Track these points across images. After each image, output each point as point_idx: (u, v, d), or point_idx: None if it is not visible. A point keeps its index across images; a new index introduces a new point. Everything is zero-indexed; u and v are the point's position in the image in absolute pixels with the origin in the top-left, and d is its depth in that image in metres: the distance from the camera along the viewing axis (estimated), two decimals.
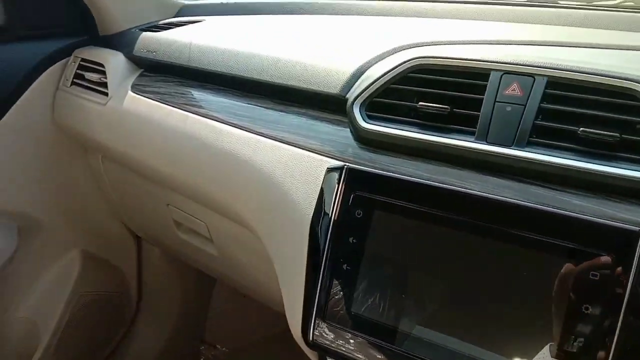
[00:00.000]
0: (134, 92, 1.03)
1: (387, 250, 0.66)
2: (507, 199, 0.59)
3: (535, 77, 0.61)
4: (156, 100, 0.98)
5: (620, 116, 0.57)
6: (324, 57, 0.82)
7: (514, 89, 0.62)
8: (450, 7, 0.98)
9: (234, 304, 1.62)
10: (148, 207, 1.21)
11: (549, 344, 0.55)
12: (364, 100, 0.72)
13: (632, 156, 0.56)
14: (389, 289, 0.66)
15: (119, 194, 1.29)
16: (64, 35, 1.19)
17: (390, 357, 0.64)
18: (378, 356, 0.65)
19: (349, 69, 0.77)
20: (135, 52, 1.09)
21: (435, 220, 0.63)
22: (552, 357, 0.55)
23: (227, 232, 0.98)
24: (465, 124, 0.64)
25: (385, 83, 0.70)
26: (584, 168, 0.57)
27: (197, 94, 0.96)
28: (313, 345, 0.70)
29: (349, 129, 0.74)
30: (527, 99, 0.61)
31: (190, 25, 1.11)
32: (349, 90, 0.75)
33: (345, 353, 0.67)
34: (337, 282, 0.68)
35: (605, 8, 0.89)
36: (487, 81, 0.63)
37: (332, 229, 0.68)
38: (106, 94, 1.08)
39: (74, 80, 1.15)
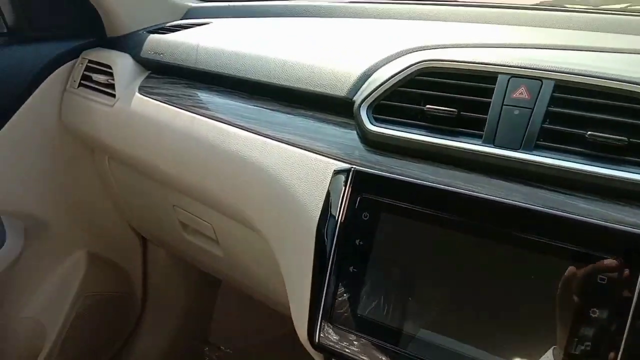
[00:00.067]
0: (142, 94, 1.04)
1: (393, 253, 0.66)
2: (515, 202, 0.59)
3: (543, 80, 0.61)
4: (163, 102, 0.99)
5: (628, 120, 0.57)
6: (331, 60, 0.83)
7: (521, 93, 0.62)
8: (456, 10, 0.98)
9: (239, 306, 1.62)
10: (154, 208, 1.21)
11: (555, 348, 0.55)
12: (371, 103, 0.72)
13: None
14: (395, 292, 0.66)
15: (125, 195, 1.29)
16: (72, 37, 1.20)
17: None
18: (384, 359, 0.65)
19: (356, 72, 0.77)
20: (142, 54, 1.10)
21: (442, 223, 0.63)
22: None
23: (233, 233, 0.98)
24: (472, 127, 0.64)
25: (392, 86, 0.70)
26: (591, 172, 0.57)
27: (204, 96, 0.96)
28: (319, 347, 0.70)
29: (355, 132, 0.74)
30: (535, 103, 0.61)
31: (198, 27, 1.11)
32: (356, 93, 0.76)
33: (351, 355, 0.67)
34: (343, 284, 0.68)
35: (612, 12, 0.89)
36: (495, 84, 0.63)
37: (338, 231, 0.68)
38: (113, 96, 1.08)
39: (82, 81, 1.16)
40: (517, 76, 0.63)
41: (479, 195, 0.61)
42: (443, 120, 0.66)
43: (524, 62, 0.63)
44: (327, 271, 0.69)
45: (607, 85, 0.59)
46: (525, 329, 0.58)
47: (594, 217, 0.55)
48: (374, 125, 0.71)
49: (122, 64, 1.10)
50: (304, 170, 0.75)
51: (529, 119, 0.61)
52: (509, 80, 0.63)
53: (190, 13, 1.25)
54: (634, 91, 0.57)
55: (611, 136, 0.57)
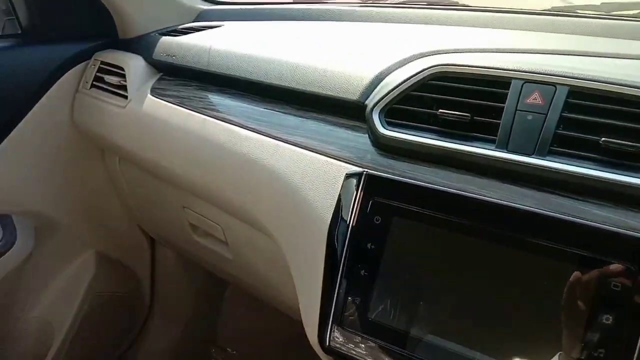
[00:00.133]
0: (153, 96, 1.04)
1: (405, 257, 0.66)
2: (528, 208, 0.59)
3: (557, 86, 0.61)
4: (175, 104, 0.99)
5: None
6: (343, 63, 0.83)
7: (535, 98, 0.62)
8: (469, 15, 0.99)
9: (246, 308, 1.63)
10: (164, 210, 1.22)
11: (566, 355, 0.55)
12: (384, 107, 0.72)
13: None
14: (406, 296, 0.66)
15: (135, 196, 1.30)
16: (85, 38, 1.21)
17: None
18: None
19: (368, 76, 0.77)
20: (154, 56, 1.10)
21: (454, 227, 0.63)
22: None
23: (242, 235, 0.99)
24: (485, 132, 0.64)
25: (405, 90, 0.70)
26: (605, 178, 0.57)
27: (216, 98, 0.97)
28: (329, 350, 0.70)
29: (367, 135, 0.74)
30: (549, 108, 0.61)
31: (209, 30, 1.11)
32: (368, 96, 0.76)
33: (361, 359, 0.67)
34: (354, 287, 0.68)
35: (624, 18, 0.89)
36: (508, 89, 0.63)
37: (350, 234, 0.68)
38: (125, 97, 1.09)
39: (94, 82, 1.16)
40: (531, 81, 0.62)
41: (492, 200, 0.61)
42: (456, 125, 0.66)
43: (538, 68, 0.63)
44: (338, 274, 0.69)
45: (621, 91, 0.58)
46: (536, 336, 0.57)
47: (608, 224, 0.55)
48: (386, 129, 0.71)
49: (134, 65, 1.11)
50: (315, 173, 0.75)
51: (543, 125, 0.61)
52: (522, 86, 0.63)
53: (201, 16, 1.25)
54: None
55: (625, 142, 0.57)
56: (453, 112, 0.66)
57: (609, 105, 0.59)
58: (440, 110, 0.67)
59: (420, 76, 0.69)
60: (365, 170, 0.69)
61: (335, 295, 0.69)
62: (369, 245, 0.67)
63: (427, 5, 1.08)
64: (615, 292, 0.53)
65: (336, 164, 0.74)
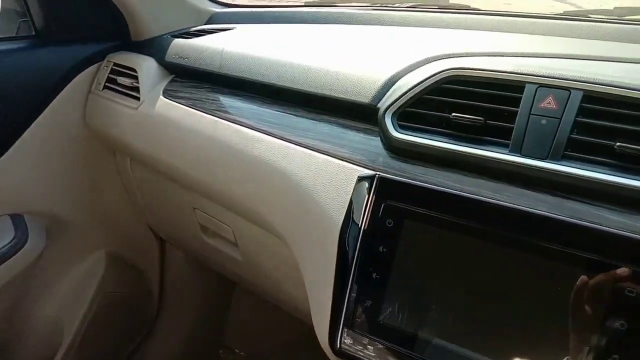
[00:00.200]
0: (166, 97, 1.05)
1: (417, 260, 0.66)
2: (541, 212, 0.59)
3: (571, 90, 0.61)
4: (187, 106, 1.00)
5: None
6: (355, 67, 0.83)
7: (549, 102, 0.62)
8: (481, 19, 0.98)
9: (253, 309, 1.63)
10: (174, 211, 1.23)
11: None
12: (396, 110, 0.72)
13: None
14: (418, 300, 0.66)
15: (145, 197, 1.30)
16: (98, 40, 1.22)
17: None
18: None
19: (381, 79, 0.77)
20: (167, 58, 1.11)
21: (466, 231, 0.63)
22: None
23: (253, 237, 0.99)
24: (499, 135, 0.64)
25: (418, 93, 0.70)
26: (620, 183, 0.57)
27: (228, 101, 0.97)
28: (340, 353, 0.70)
29: (379, 138, 0.75)
30: (563, 113, 0.61)
31: (222, 32, 1.12)
32: (380, 99, 0.76)
33: None
34: (365, 290, 0.68)
35: (637, 22, 0.89)
36: (522, 93, 0.63)
37: (361, 237, 0.69)
38: (138, 99, 1.09)
39: (107, 84, 1.17)
40: (545, 86, 0.62)
41: (505, 204, 0.61)
42: (469, 129, 0.66)
43: (552, 72, 0.63)
44: (349, 277, 0.69)
45: (636, 96, 0.58)
46: (549, 341, 0.57)
47: (622, 229, 0.55)
48: (399, 132, 0.71)
49: (146, 67, 1.12)
50: (327, 176, 0.75)
51: (557, 129, 0.60)
52: (536, 90, 0.63)
53: (213, 18, 1.26)
54: None
55: None
56: (466, 115, 0.66)
57: (623, 110, 0.59)
58: (453, 114, 0.67)
59: (434, 79, 0.69)
60: (378, 173, 0.70)
61: (347, 297, 0.69)
62: (380, 249, 0.67)
63: (439, 8, 1.08)
64: (630, 297, 0.53)
65: (348, 166, 0.74)
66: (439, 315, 0.64)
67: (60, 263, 1.33)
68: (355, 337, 0.68)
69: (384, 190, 0.68)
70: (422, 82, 0.70)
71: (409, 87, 0.72)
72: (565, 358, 0.56)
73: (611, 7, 1.04)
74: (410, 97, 0.71)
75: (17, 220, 1.28)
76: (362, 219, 0.69)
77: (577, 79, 0.61)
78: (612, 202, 0.57)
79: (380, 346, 0.67)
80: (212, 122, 0.94)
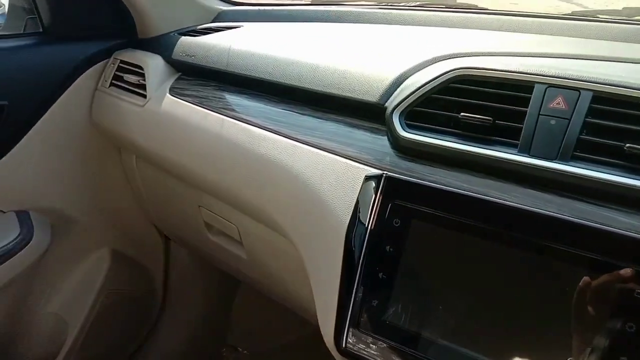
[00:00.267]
0: (172, 95, 1.05)
1: (423, 260, 0.66)
2: (550, 213, 0.58)
3: (581, 91, 0.61)
4: (194, 104, 1.00)
5: None
6: (363, 65, 0.83)
7: (558, 103, 0.61)
8: (488, 19, 0.98)
9: (257, 308, 1.63)
10: (179, 208, 1.23)
11: None
12: (404, 109, 0.72)
13: None
14: (425, 300, 0.65)
15: (151, 194, 1.31)
16: (105, 37, 1.22)
17: None
18: None
19: (389, 78, 0.77)
20: (173, 56, 1.11)
21: (474, 232, 0.62)
22: None
23: (258, 236, 0.99)
24: (507, 136, 0.64)
25: (426, 92, 0.70)
26: (629, 184, 0.56)
27: (235, 99, 0.97)
28: (345, 352, 0.70)
29: (386, 138, 0.74)
30: (572, 113, 0.60)
31: (229, 30, 1.12)
32: (388, 99, 0.76)
33: None
34: (372, 290, 0.68)
35: None
36: (531, 94, 0.63)
37: (368, 237, 0.68)
38: (144, 96, 1.09)
39: (113, 81, 1.17)
40: (555, 86, 0.62)
41: (513, 204, 0.61)
42: (477, 128, 0.66)
43: (562, 72, 0.63)
44: (355, 277, 0.69)
45: None
46: (558, 343, 0.57)
47: (631, 231, 0.54)
48: (406, 131, 0.71)
49: (153, 64, 1.12)
50: (334, 175, 0.75)
51: (566, 130, 0.60)
52: (546, 90, 0.62)
53: (220, 16, 1.26)
54: None
55: None
56: (475, 115, 0.66)
57: (633, 111, 0.58)
58: (462, 114, 0.67)
59: (442, 79, 0.69)
60: (385, 172, 0.69)
61: (353, 297, 0.69)
62: (387, 248, 0.67)
63: (447, 8, 1.08)
64: (639, 299, 0.52)
65: (355, 165, 0.73)
66: (447, 316, 0.64)
67: (65, 260, 1.33)
68: (361, 337, 0.68)
69: (391, 189, 0.68)
70: (430, 81, 0.70)
71: (417, 86, 0.71)
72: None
73: (620, 8, 1.04)
74: (419, 97, 0.71)
75: (23, 216, 1.28)
76: (369, 219, 0.68)
77: (587, 79, 0.61)
78: (622, 204, 0.57)
79: (386, 346, 0.67)
80: (219, 120, 0.94)
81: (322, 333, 0.74)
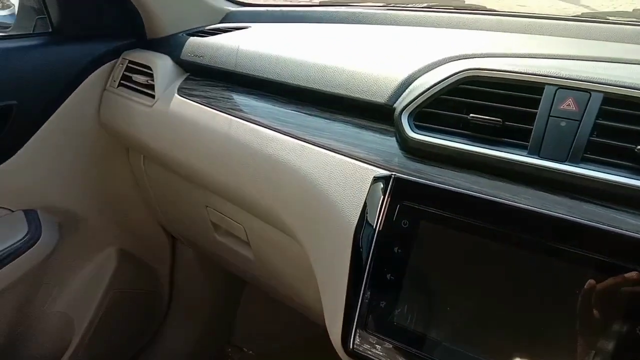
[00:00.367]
0: (180, 95, 1.05)
1: (432, 262, 0.66)
2: (560, 215, 0.58)
3: (592, 92, 0.60)
4: (202, 104, 1.00)
5: None
6: (371, 66, 0.83)
7: (569, 104, 0.61)
8: (497, 20, 0.98)
9: (263, 308, 1.63)
10: (187, 209, 1.23)
11: None
12: (413, 110, 0.72)
13: None
14: (433, 301, 0.65)
15: (158, 194, 1.31)
16: (114, 37, 1.22)
17: None
18: None
19: (397, 79, 0.77)
20: (182, 56, 1.11)
21: (482, 233, 0.62)
22: None
23: (265, 236, 0.99)
24: (517, 137, 0.64)
25: (435, 93, 0.70)
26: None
27: (243, 99, 0.97)
28: (352, 353, 0.70)
29: (395, 139, 0.74)
30: (583, 115, 0.60)
31: (237, 31, 1.12)
32: (397, 99, 0.76)
33: None
34: (379, 291, 0.68)
35: None
36: (541, 95, 0.63)
37: (376, 238, 0.68)
38: (153, 96, 1.10)
39: (122, 81, 1.18)
40: (565, 87, 0.62)
41: (523, 206, 0.60)
42: (487, 130, 0.66)
43: (572, 74, 0.62)
44: (363, 278, 0.69)
45: None
46: (568, 345, 0.57)
47: None
48: (415, 132, 0.71)
49: (161, 65, 1.12)
50: (342, 176, 0.75)
51: (577, 131, 0.60)
52: (556, 91, 0.62)
53: (229, 17, 1.26)
54: None
55: None
56: (484, 116, 0.65)
57: None
58: (471, 115, 0.67)
59: (452, 80, 0.69)
60: (393, 173, 0.69)
61: (360, 298, 0.69)
62: (395, 250, 0.67)
63: (455, 9, 1.08)
64: None
65: (363, 166, 0.73)
66: (454, 318, 0.64)
67: (72, 259, 1.34)
68: (368, 338, 0.68)
69: (400, 190, 0.68)
70: (439, 82, 0.70)
71: (426, 87, 0.71)
72: None
73: (630, 10, 1.03)
74: (428, 98, 0.71)
75: (31, 215, 1.29)
76: (377, 220, 0.68)
77: (598, 80, 0.61)
78: (632, 206, 0.57)
79: (394, 347, 0.67)
80: (227, 121, 0.94)
81: (329, 334, 0.74)
